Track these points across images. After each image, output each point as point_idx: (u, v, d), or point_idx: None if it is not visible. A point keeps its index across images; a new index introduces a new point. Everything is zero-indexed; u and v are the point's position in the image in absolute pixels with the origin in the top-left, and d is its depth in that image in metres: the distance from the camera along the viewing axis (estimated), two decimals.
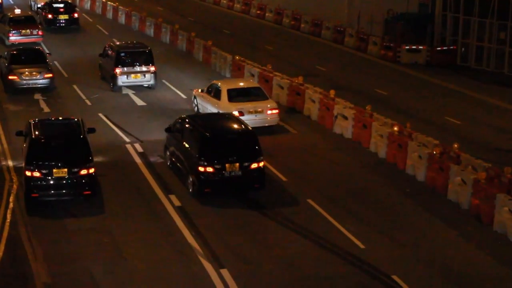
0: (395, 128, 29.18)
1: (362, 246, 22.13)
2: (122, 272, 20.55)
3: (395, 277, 20.37)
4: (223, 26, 58.16)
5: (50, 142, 24.78)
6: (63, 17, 53.99)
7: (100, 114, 34.25)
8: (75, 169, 24.26)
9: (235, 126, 26.47)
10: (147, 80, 38.38)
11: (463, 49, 47.62)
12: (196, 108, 34.49)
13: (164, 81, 40.41)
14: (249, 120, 30.14)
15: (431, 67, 46.72)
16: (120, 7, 59.44)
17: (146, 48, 39.42)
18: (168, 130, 28.31)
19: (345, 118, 32.05)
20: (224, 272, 20.45)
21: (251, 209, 24.60)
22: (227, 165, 24.91)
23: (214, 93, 32.85)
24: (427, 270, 21.02)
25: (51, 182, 24.26)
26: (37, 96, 37.10)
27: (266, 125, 31.86)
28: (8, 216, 23.68)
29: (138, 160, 28.77)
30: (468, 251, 22.35)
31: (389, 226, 23.67)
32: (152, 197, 25.42)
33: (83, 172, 24.33)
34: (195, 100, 34.67)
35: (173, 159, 27.54)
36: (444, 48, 48.10)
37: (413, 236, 23.11)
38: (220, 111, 31.06)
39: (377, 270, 20.81)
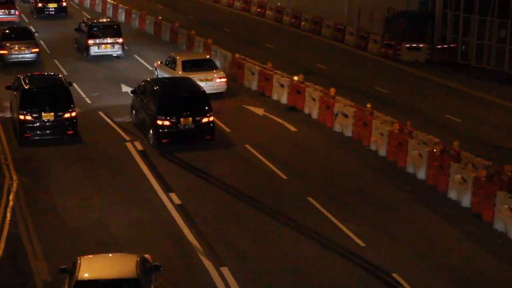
0: (396, 126, 29.16)
1: (362, 244, 22.13)
2: None
3: (395, 275, 20.37)
4: (223, 24, 58.13)
5: (40, 91, 30.24)
6: (52, 5, 57.43)
7: (100, 112, 34.22)
8: (60, 113, 29.68)
9: (189, 87, 31.15)
10: (116, 50, 44.62)
11: (463, 47, 47.59)
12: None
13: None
14: None
15: (432, 65, 46.67)
16: (120, 5, 59.40)
17: (115, 23, 46.33)
18: (133, 92, 32.84)
19: (346, 116, 32.04)
20: (224, 270, 20.46)
21: (252, 207, 24.60)
22: (181, 119, 29.42)
23: (171, 64, 37.61)
24: (427, 268, 21.02)
25: (41, 124, 29.66)
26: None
27: (215, 92, 35.84)
28: (8, 214, 23.69)
29: (138, 158, 28.77)
30: (468, 249, 22.35)
31: (389, 224, 23.67)
32: (153, 195, 25.43)
33: (67, 115, 29.85)
34: (156, 71, 39.17)
35: (138, 117, 31.84)
36: (445, 46, 48.06)
37: (413, 234, 23.11)
38: (158, 76, 37.31)
39: (377, 268, 20.82)
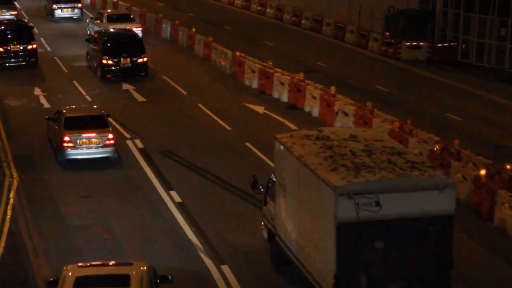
0: (396, 125, 29.16)
1: None
2: None
3: None
4: (224, 22, 58.11)
5: (7, 29, 42.24)
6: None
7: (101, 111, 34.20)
8: (24, 46, 41.27)
9: (128, 35, 41.42)
10: (76, 13, 56.90)
11: (463, 45, 47.58)
12: (88, 31, 49.36)
13: (164, 77, 40.43)
14: None
15: (432, 64, 46.67)
16: (120, 2, 59.40)
17: None
18: (87, 40, 42.26)
19: (346, 114, 32.04)
20: (225, 268, 20.46)
21: (252, 206, 24.58)
22: (121, 59, 38.93)
23: (100, 19, 48.32)
24: None
25: (11, 54, 41.26)
26: (37, 91, 37.14)
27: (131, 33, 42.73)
28: (9, 212, 23.69)
29: (138, 156, 28.77)
30: (469, 247, 22.33)
31: None
32: (153, 193, 25.43)
33: (29, 47, 41.47)
34: (88, 25, 50.55)
35: (91, 61, 41.31)
36: (445, 44, 48.05)
37: None
38: (102, 29, 44.35)
39: None
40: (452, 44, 47.85)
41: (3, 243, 21.66)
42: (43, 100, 35.70)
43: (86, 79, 39.56)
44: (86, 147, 27.53)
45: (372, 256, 16.88)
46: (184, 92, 37.79)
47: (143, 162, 28.11)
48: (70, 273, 16.17)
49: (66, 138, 27.29)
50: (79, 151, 27.52)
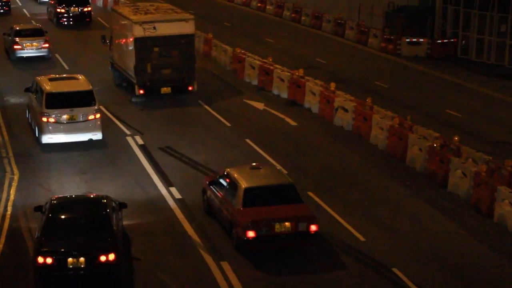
0: (396, 121, 29.18)
1: (362, 239, 22.16)
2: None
3: (395, 270, 20.39)
4: (224, 18, 58.12)
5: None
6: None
7: (101, 106, 34.18)
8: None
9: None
10: None
11: (463, 41, 47.57)
12: None
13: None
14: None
15: (432, 60, 46.68)
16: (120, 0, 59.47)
17: None
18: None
19: (346, 110, 32.05)
20: (224, 264, 20.48)
21: None
22: (71, 8, 52.67)
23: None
24: (427, 263, 21.04)
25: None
26: None
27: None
28: (9, 208, 23.70)
29: (138, 152, 28.79)
30: (469, 243, 22.37)
31: (390, 219, 23.70)
32: (153, 189, 25.44)
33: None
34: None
35: (50, 13, 53.62)
36: (445, 40, 48.05)
37: (413, 228, 23.14)
38: None
39: (377, 263, 20.84)
40: (452, 40, 47.84)
41: (3, 240, 21.67)
42: None
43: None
44: (30, 48, 43.03)
45: (152, 55, 34.36)
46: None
47: (143, 158, 28.13)
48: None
49: (17, 45, 42.94)
50: (25, 51, 42.97)
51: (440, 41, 48.04)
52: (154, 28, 34.17)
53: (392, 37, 48.23)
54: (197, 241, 21.79)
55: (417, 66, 45.21)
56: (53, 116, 28.78)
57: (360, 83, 39.87)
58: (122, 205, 21.28)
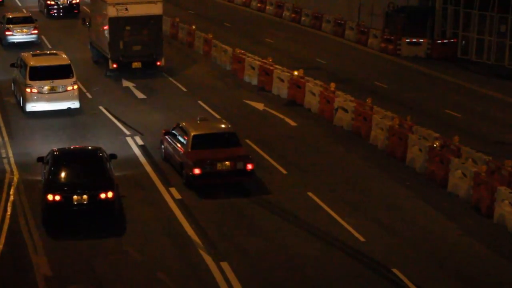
0: (396, 121, 29.17)
1: (362, 239, 22.14)
2: (122, 264, 20.58)
3: (395, 270, 20.38)
4: (224, 19, 58.11)
5: None
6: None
7: (101, 107, 34.26)
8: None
9: None
10: None
11: (463, 42, 47.57)
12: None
13: (164, 74, 40.45)
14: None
15: (432, 60, 46.68)
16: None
17: None
18: None
19: (346, 111, 32.04)
20: (224, 264, 20.47)
21: (251, 202, 24.61)
22: (61, 0, 57.25)
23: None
24: (427, 263, 21.03)
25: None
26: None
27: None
28: (9, 209, 23.69)
29: (138, 152, 28.78)
30: (468, 243, 22.36)
31: (389, 219, 23.68)
32: (153, 190, 25.42)
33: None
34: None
35: (41, 5, 56.21)
36: (445, 41, 48.05)
37: (413, 229, 23.13)
38: None
39: (377, 263, 20.83)
40: (452, 40, 47.84)
41: (3, 240, 21.67)
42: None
43: (86, 77, 39.61)
44: (20, 34, 46.87)
45: (124, 33, 38.74)
46: (184, 89, 37.79)
47: (143, 159, 28.11)
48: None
49: (8, 31, 46.47)
50: (16, 36, 46.72)
51: (440, 41, 48.05)
52: (126, 9, 38.76)
53: (392, 38, 48.23)
54: (196, 241, 21.78)
55: (417, 66, 45.21)
56: (36, 87, 32.56)
57: (360, 84, 39.86)
58: (112, 156, 24.73)
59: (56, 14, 57.49)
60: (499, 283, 20.30)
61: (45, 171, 23.35)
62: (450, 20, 48.63)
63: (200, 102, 35.35)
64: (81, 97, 34.64)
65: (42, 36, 48.92)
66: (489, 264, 21.24)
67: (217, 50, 43.52)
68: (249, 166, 25.28)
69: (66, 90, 32.92)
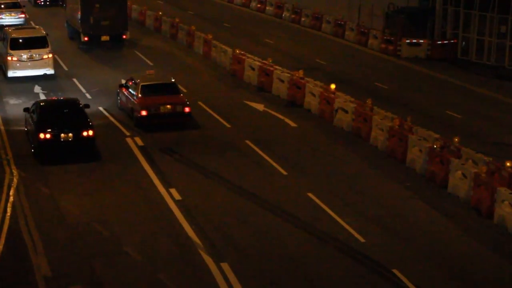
0: (396, 122, 29.16)
1: (362, 240, 22.13)
2: (122, 265, 20.57)
3: (395, 271, 20.37)
4: (223, 19, 58.11)
5: None
6: None
7: (100, 108, 34.25)
8: None
9: None
10: None
11: (463, 43, 47.55)
12: None
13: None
14: None
15: (432, 61, 46.67)
16: None
17: None
18: None
19: (346, 111, 32.03)
20: (225, 265, 20.46)
21: (252, 203, 24.60)
22: None
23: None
24: (428, 264, 21.03)
25: None
26: (37, 89, 37.15)
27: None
28: (9, 209, 23.69)
29: (138, 153, 28.77)
30: (468, 244, 22.36)
31: (389, 220, 23.68)
32: (153, 191, 25.42)
33: None
34: None
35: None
36: (445, 41, 48.03)
37: (413, 229, 23.12)
38: None
39: (377, 264, 20.82)
40: (452, 41, 47.83)
41: (3, 241, 21.66)
42: (42, 98, 35.70)
43: (85, 77, 39.60)
44: (9, 18, 52.29)
45: (94, 10, 43.92)
46: (184, 90, 37.74)
47: (143, 160, 28.11)
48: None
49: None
50: (5, 19, 51.74)
51: (440, 42, 48.03)
52: None
53: (392, 38, 48.23)
54: (197, 242, 21.77)
55: (417, 67, 45.20)
56: (16, 56, 38.15)
57: (360, 84, 39.86)
58: (86, 106, 30.09)
59: (43, 4, 63.64)
60: (499, 284, 20.29)
61: (31, 119, 28.52)
62: (450, 21, 48.61)
63: (200, 103, 35.34)
64: (81, 97, 34.63)
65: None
66: (489, 264, 21.23)
67: (216, 51, 43.51)
68: (187, 109, 31.41)
69: (42, 58, 38.43)
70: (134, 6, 56.76)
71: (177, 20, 50.68)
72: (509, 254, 21.88)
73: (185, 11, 61.28)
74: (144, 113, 30.89)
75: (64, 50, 45.60)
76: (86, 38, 45.24)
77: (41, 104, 29.08)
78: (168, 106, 31.20)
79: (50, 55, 38.69)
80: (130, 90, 32.50)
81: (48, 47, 38.55)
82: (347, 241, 22.08)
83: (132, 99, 31.92)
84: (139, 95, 31.46)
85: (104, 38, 45.55)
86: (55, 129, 27.47)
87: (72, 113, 28.65)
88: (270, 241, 22.06)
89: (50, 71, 38.62)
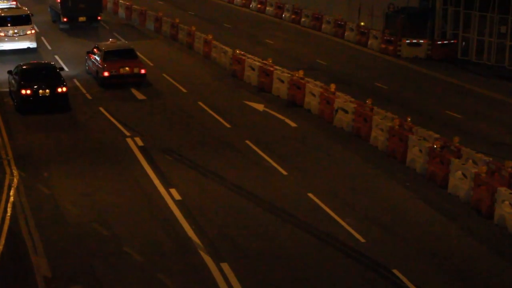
0: (396, 122, 29.16)
1: (362, 240, 22.14)
2: (122, 265, 20.57)
3: (395, 271, 20.37)
4: (224, 20, 58.11)
5: None
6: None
7: (101, 108, 34.26)
8: None
9: None
10: None
11: (463, 43, 47.53)
12: None
13: (164, 75, 40.45)
14: None
15: (432, 61, 46.67)
16: (120, 1, 59.34)
17: None
18: None
19: (346, 112, 32.04)
20: (224, 265, 20.46)
21: (252, 203, 24.61)
22: None
23: None
24: (428, 264, 21.03)
25: None
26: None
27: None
28: (9, 210, 23.69)
29: (138, 153, 28.78)
30: (469, 244, 22.36)
31: (390, 220, 23.68)
32: (153, 191, 25.42)
33: None
34: None
35: None
36: (445, 42, 48.03)
37: (413, 229, 23.12)
38: None
39: (377, 264, 20.82)
40: (452, 41, 47.82)
41: (3, 241, 21.65)
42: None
43: (85, 78, 39.63)
44: (1, 3, 54.81)
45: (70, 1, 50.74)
46: (184, 90, 37.79)
47: (143, 160, 28.11)
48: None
49: None
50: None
51: (440, 42, 48.03)
52: None
53: (392, 38, 48.23)
54: (197, 242, 21.77)
55: (417, 67, 45.21)
56: (3, 31, 44.27)
57: (360, 84, 39.86)
58: (61, 69, 35.77)
59: None
60: (499, 284, 20.29)
61: (13, 79, 33.94)
62: (450, 21, 48.60)
63: (200, 103, 35.35)
64: (81, 97, 34.63)
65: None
66: (489, 264, 21.23)
67: (217, 51, 43.51)
68: (142, 71, 37.68)
69: (26, 34, 44.64)
70: (134, 7, 56.74)
71: (177, 20, 50.67)
72: (509, 254, 21.88)
73: (185, 11, 61.26)
74: (106, 74, 36.95)
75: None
76: (65, 19, 51.60)
77: (23, 66, 34.36)
78: (127, 68, 37.34)
79: (33, 31, 45.09)
80: (95, 56, 38.46)
81: (31, 24, 44.91)
82: (347, 241, 22.08)
83: (97, 63, 37.86)
84: (103, 59, 37.40)
85: (81, 19, 51.78)
86: (35, 86, 32.89)
87: (49, 73, 34.04)
88: (270, 241, 22.06)
89: (33, 45, 44.76)
